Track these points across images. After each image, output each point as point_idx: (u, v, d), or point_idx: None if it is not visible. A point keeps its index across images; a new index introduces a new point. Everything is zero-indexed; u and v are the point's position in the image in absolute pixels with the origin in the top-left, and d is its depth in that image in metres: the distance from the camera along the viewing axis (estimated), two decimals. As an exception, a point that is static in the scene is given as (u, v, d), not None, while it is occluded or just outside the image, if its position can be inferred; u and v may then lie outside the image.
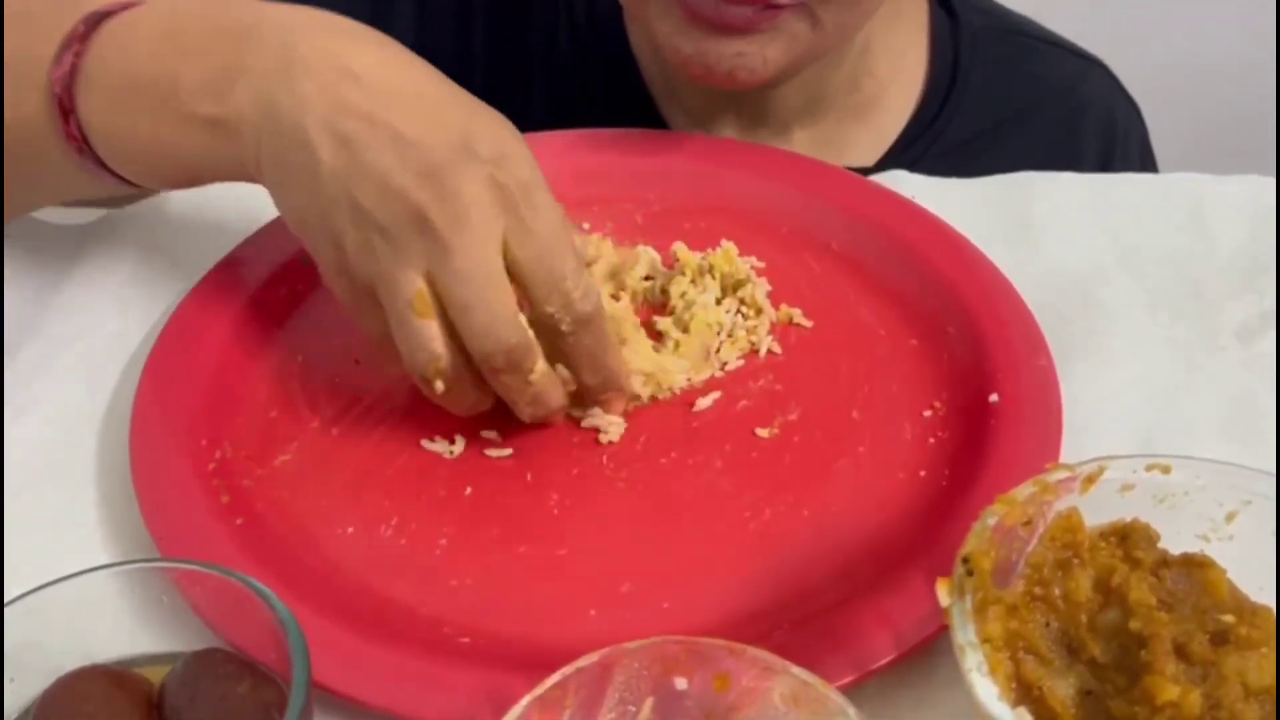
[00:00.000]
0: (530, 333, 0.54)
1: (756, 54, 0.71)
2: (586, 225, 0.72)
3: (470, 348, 0.53)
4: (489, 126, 0.54)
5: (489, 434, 0.59)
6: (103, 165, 0.59)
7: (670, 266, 0.68)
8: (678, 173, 0.75)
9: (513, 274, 0.53)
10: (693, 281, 0.66)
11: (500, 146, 0.53)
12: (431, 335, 0.53)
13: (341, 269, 0.54)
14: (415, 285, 0.52)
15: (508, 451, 0.58)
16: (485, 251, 0.52)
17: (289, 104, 0.53)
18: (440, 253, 0.52)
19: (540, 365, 0.55)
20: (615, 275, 0.66)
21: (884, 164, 0.84)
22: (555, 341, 0.55)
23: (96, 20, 0.58)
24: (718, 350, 0.63)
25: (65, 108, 0.58)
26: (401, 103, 0.53)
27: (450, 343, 0.53)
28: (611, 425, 0.59)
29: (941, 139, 0.88)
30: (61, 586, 0.42)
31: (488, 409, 0.58)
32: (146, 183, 0.62)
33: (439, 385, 0.54)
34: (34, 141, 0.60)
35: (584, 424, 0.60)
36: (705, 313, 0.64)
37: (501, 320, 0.52)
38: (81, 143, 0.58)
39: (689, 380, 0.62)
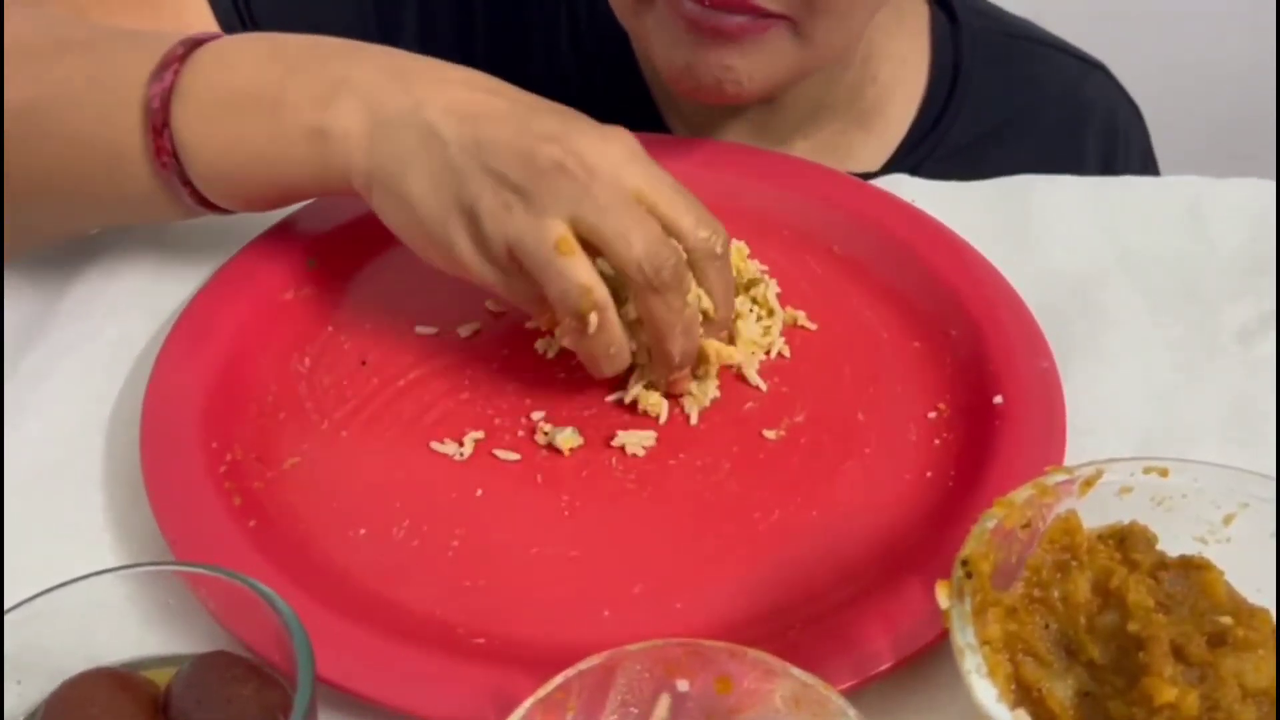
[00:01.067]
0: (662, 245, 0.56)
1: (743, 68, 0.72)
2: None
3: (633, 273, 0.55)
4: (578, 113, 0.59)
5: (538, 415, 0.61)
6: (186, 183, 0.61)
7: None
8: (680, 177, 0.74)
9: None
10: None
11: (595, 124, 0.58)
12: (582, 268, 0.55)
13: (478, 241, 0.57)
14: (558, 229, 0.55)
15: (517, 455, 0.59)
16: (621, 188, 0.55)
17: (403, 104, 0.58)
18: (581, 194, 0.55)
19: (695, 291, 0.57)
20: None
21: (887, 170, 0.84)
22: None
23: (195, 43, 0.61)
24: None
25: (157, 124, 0.59)
26: (503, 93, 0.59)
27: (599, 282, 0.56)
28: (662, 405, 0.61)
29: (944, 143, 0.88)
30: (68, 589, 0.42)
31: (625, 367, 0.60)
32: (228, 201, 0.63)
33: (593, 320, 0.56)
34: (112, 162, 0.61)
35: (641, 404, 0.61)
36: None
37: (659, 238, 0.55)
38: (170, 157, 0.60)
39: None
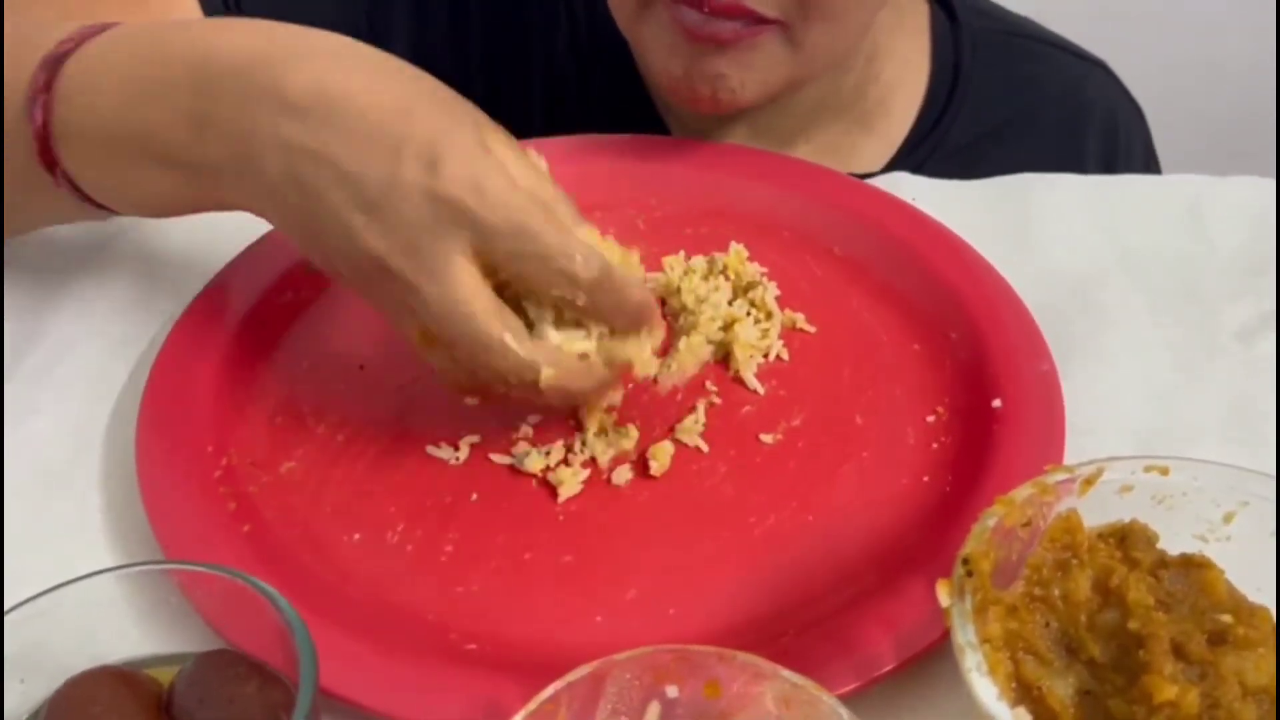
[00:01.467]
0: (523, 350, 0.52)
1: (735, 75, 0.72)
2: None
3: (475, 373, 0.53)
4: (422, 127, 0.51)
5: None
6: (102, 205, 0.60)
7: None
8: (679, 178, 0.75)
9: (500, 270, 0.52)
10: (704, 279, 0.66)
11: (432, 149, 0.51)
12: (444, 362, 0.54)
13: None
14: (412, 325, 0.53)
15: (512, 459, 0.58)
16: (450, 278, 0.50)
17: (254, 151, 0.53)
18: (411, 295, 0.51)
19: (547, 371, 0.52)
20: None
21: (889, 170, 0.84)
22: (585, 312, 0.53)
23: (55, 65, 0.57)
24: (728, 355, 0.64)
25: (48, 161, 0.58)
26: (337, 129, 0.52)
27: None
28: (566, 478, 0.57)
29: (945, 143, 0.88)
30: (70, 588, 0.42)
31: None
32: (148, 215, 0.63)
33: (471, 401, 0.56)
34: (20, 181, 0.60)
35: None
36: (717, 311, 0.64)
37: (486, 348, 0.51)
38: (73, 189, 0.59)
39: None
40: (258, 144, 0.53)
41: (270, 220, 0.56)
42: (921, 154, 0.87)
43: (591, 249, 0.52)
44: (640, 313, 0.55)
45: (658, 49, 0.73)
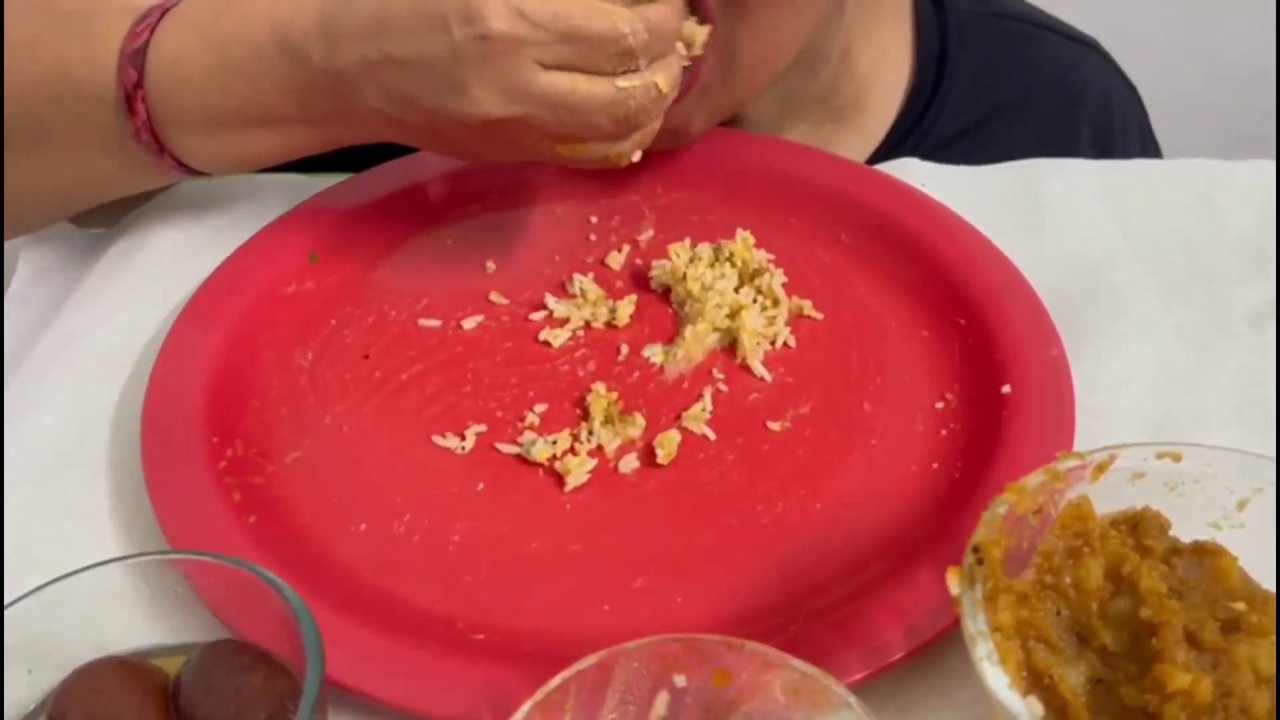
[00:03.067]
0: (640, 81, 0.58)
1: (695, 119, 0.71)
2: (594, 219, 0.72)
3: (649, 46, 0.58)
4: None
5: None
6: (203, 172, 0.67)
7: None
8: (685, 166, 0.75)
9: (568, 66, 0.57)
10: (710, 266, 0.66)
11: (465, 6, 0.55)
12: (598, 149, 0.60)
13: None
14: (549, 146, 0.59)
15: (519, 449, 0.58)
16: (547, 88, 0.56)
17: (351, 91, 0.60)
18: (530, 128, 0.58)
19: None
20: None
21: (871, 164, 0.82)
22: None
23: (137, 60, 0.63)
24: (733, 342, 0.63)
25: (159, 150, 0.64)
26: (395, 32, 0.57)
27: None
28: (573, 467, 0.57)
29: (930, 135, 0.85)
30: (77, 578, 0.42)
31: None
32: (258, 171, 0.69)
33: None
34: (109, 158, 0.66)
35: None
36: (724, 298, 0.64)
37: (613, 106, 0.57)
38: (179, 167, 0.66)
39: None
40: (349, 84, 0.60)
41: (390, 137, 0.63)
42: (907, 147, 0.83)
43: (631, 17, 0.57)
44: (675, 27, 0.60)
45: None
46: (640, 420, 0.59)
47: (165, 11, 0.63)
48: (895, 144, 0.85)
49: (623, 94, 0.57)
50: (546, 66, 0.56)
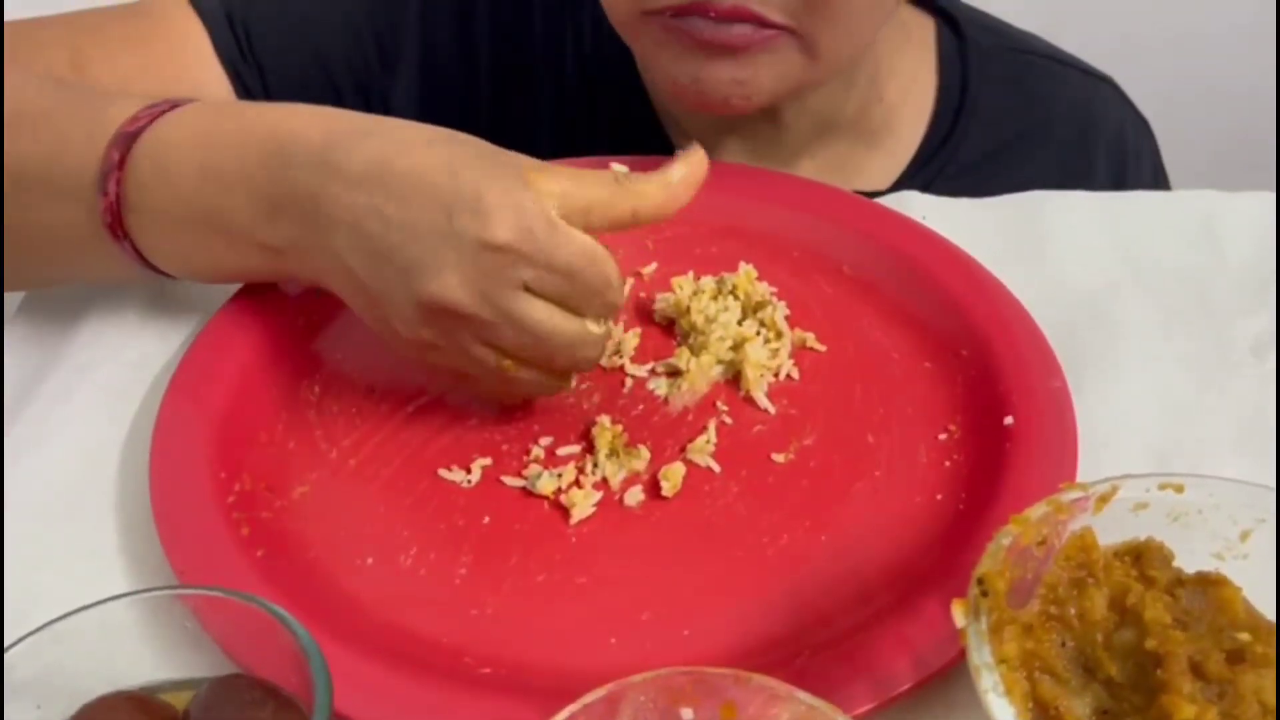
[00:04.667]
0: (601, 330, 0.58)
1: (751, 80, 0.71)
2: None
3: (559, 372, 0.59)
4: (468, 181, 0.55)
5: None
6: (163, 272, 0.64)
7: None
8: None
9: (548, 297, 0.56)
10: (714, 299, 0.66)
11: (478, 201, 0.54)
12: (524, 376, 0.58)
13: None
14: (492, 361, 0.57)
15: (524, 482, 0.58)
16: (520, 311, 0.55)
17: (322, 225, 0.57)
18: (490, 331, 0.56)
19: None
20: None
21: (896, 189, 0.84)
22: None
23: (127, 143, 0.61)
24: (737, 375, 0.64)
25: (117, 234, 0.62)
26: (394, 193, 0.56)
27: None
28: (579, 500, 0.57)
29: (953, 162, 0.88)
30: (86, 613, 0.42)
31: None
32: (209, 282, 0.67)
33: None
34: (81, 246, 0.64)
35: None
36: (727, 331, 0.64)
37: (581, 343, 0.57)
38: (136, 257, 0.63)
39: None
40: (325, 218, 0.57)
41: (335, 289, 0.60)
42: (930, 172, 0.87)
43: (620, 276, 0.57)
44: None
45: (662, 57, 0.73)
46: (645, 453, 0.59)
47: (177, 105, 0.63)
48: (918, 169, 0.88)
49: (590, 337, 0.57)
50: (530, 290, 0.55)
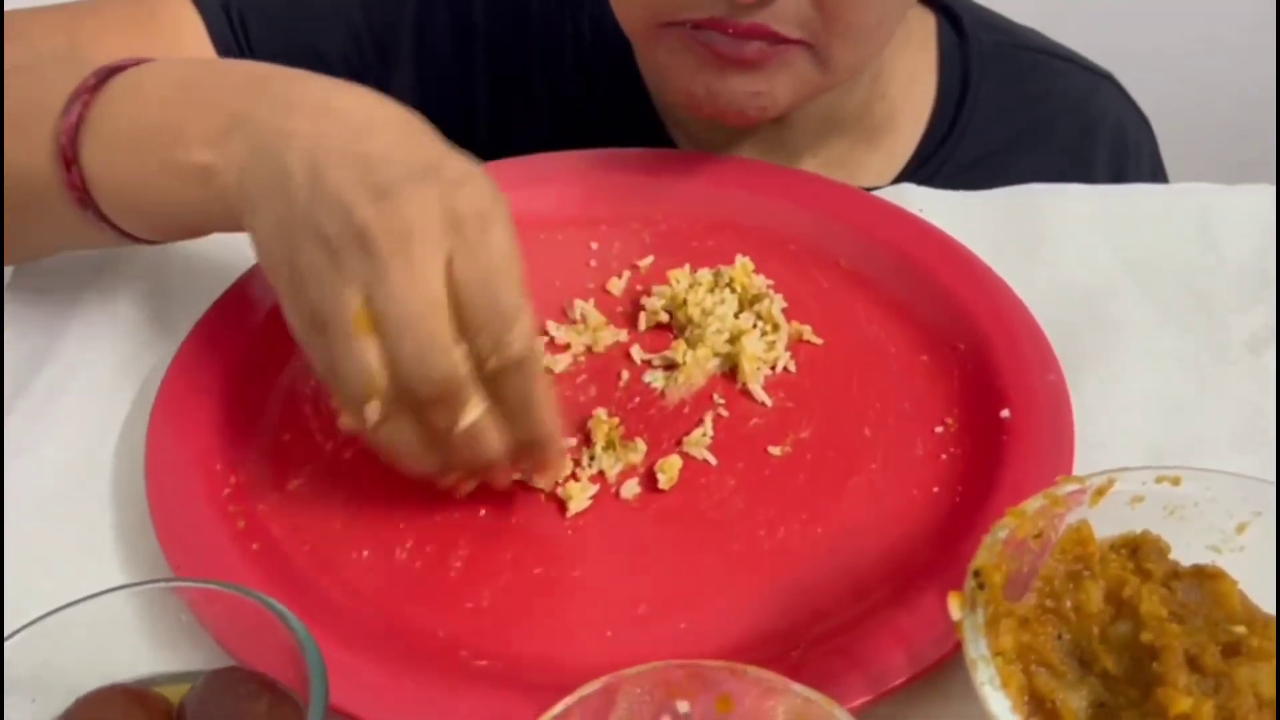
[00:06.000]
0: (465, 368, 0.50)
1: (767, 92, 0.72)
2: (595, 245, 0.72)
3: (401, 374, 0.50)
4: (460, 160, 0.54)
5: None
6: (103, 218, 0.60)
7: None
8: (685, 192, 0.75)
9: (452, 299, 0.50)
10: (710, 292, 0.66)
11: (467, 175, 0.52)
12: (368, 353, 0.50)
13: (294, 293, 0.53)
14: (354, 305, 0.50)
15: (519, 474, 0.58)
16: (424, 273, 0.50)
17: (276, 142, 0.54)
18: (378, 271, 0.49)
19: (475, 408, 0.51)
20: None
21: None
22: (488, 387, 0.52)
23: (108, 73, 0.59)
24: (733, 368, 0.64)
25: (68, 157, 0.58)
26: (376, 130, 0.54)
27: (388, 370, 0.50)
28: (575, 493, 0.57)
29: (953, 159, 0.88)
30: (80, 607, 0.42)
31: (432, 470, 0.54)
32: (144, 234, 0.62)
33: (372, 410, 0.51)
34: (38, 192, 0.60)
35: (543, 489, 0.58)
36: (724, 324, 0.64)
37: (432, 347, 0.49)
38: (83, 193, 0.59)
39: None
40: (286, 138, 0.53)
41: (248, 206, 0.54)
42: (930, 169, 0.87)
43: (532, 336, 0.51)
44: (540, 432, 0.54)
45: (677, 68, 0.73)
46: (641, 445, 0.59)
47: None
48: (918, 166, 0.88)
49: (456, 383, 0.50)
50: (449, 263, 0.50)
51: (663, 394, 0.63)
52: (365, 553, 0.55)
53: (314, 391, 0.63)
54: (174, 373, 0.61)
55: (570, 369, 0.64)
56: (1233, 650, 0.40)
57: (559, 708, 0.39)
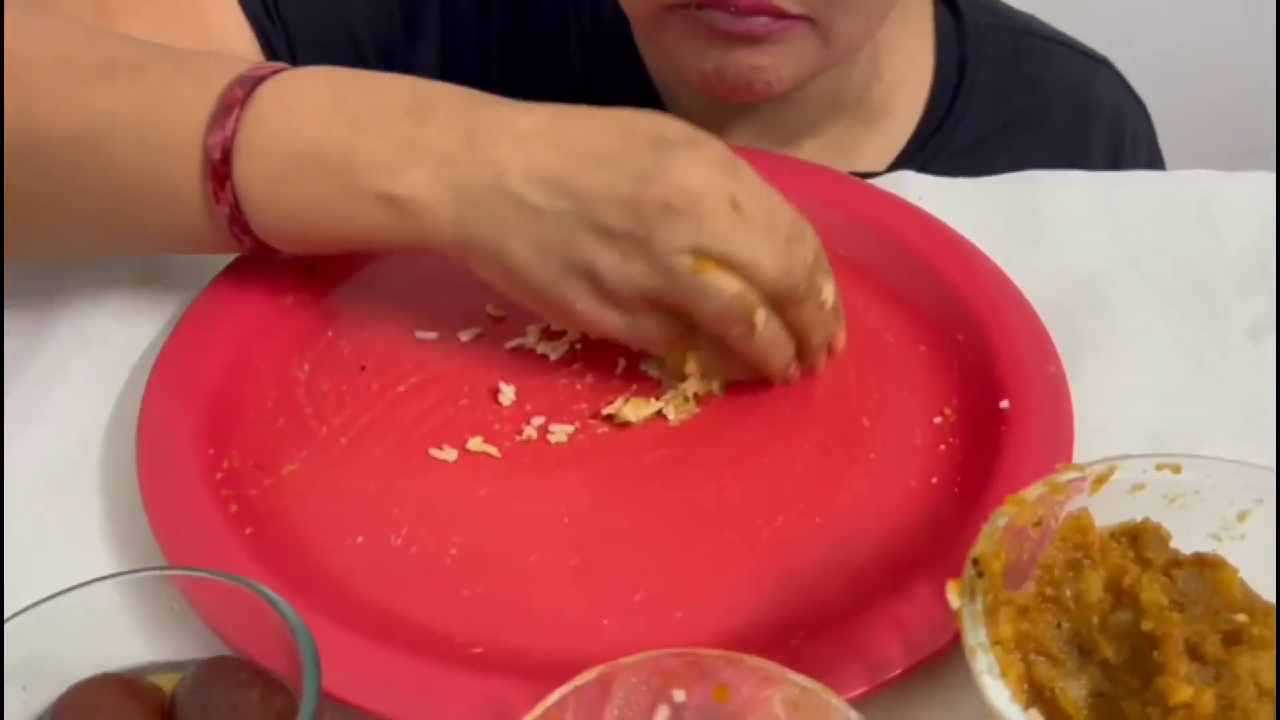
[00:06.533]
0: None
1: (772, 67, 0.73)
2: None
3: (772, 291, 0.56)
4: (668, 120, 0.58)
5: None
6: (246, 231, 0.60)
7: None
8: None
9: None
10: None
11: (687, 131, 0.57)
12: (726, 279, 0.55)
13: (603, 295, 0.56)
14: (687, 259, 0.54)
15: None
16: (729, 209, 0.55)
17: (483, 174, 0.56)
18: (696, 229, 0.54)
19: (828, 286, 0.59)
20: None
21: (894, 169, 0.84)
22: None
23: (253, 82, 0.58)
24: None
25: (220, 175, 0.57)
26: (584, 131, 0.57)
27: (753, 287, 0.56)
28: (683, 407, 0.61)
29: (950, 142, 0.88)
30: (72, 595, 0.42)
31: (792, 352, 0.60)
32: (296, 249, 0.63)
33: (761, 317, 0.56)
34: (168, 202, 0.59)
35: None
36: None
37: (784, 251, 0.55)
38: (234, 208, 0.58)
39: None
40: (491, 166, 0.55)
41: (487, 245, 0.56)
42: (927, 153, 0.87)
43: (808, 263, 0.57)
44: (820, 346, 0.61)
45: (684, 51, 0.74)
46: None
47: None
48: (915, 150, 0.88)
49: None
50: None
51: (659, 383, 0.62)
52: (360, 538, 0.54)
53: (308, 377, 0.62)
54: (167, 356, 0.61)
55: (566, 356, 0.64)
56: (1233, 639, 0.40)
57: (555, 696, 0.39)
